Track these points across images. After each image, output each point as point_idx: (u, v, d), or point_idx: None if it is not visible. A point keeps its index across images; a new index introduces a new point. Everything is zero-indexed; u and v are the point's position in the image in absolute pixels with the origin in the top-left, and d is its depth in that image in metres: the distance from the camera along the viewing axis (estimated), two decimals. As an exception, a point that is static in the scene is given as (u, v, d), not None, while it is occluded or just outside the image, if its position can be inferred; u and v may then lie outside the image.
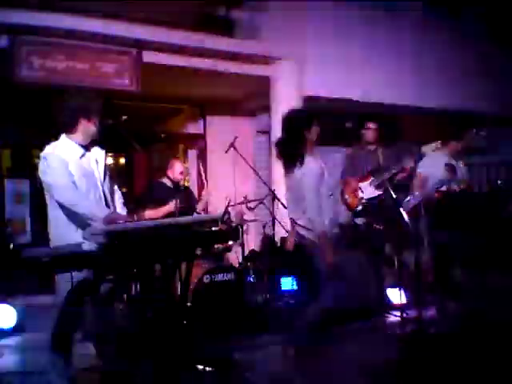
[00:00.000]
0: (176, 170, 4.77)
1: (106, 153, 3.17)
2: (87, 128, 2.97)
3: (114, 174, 3.79)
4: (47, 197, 2.94)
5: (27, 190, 6.15)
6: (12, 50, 4.45)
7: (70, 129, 2.98)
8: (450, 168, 4.46)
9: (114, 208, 3.14)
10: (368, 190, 5.04)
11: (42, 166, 2.88)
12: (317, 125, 3.48)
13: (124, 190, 5.86)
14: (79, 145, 2.98)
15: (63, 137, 2.99)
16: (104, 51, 4.87)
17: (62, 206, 2.85)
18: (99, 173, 3.03)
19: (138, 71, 4.98)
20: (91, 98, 3.02)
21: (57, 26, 4.51)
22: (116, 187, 3.27)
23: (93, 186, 2.96)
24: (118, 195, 3.26)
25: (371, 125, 5.15)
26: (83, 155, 2.98)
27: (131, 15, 4.79)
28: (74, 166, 2.89)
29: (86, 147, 3.01)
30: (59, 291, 2.86)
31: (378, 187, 5.01)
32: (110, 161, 3.20)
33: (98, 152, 3.08)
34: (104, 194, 3.03)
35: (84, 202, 2.83)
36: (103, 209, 2.91)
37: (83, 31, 4.62)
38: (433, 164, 4.51)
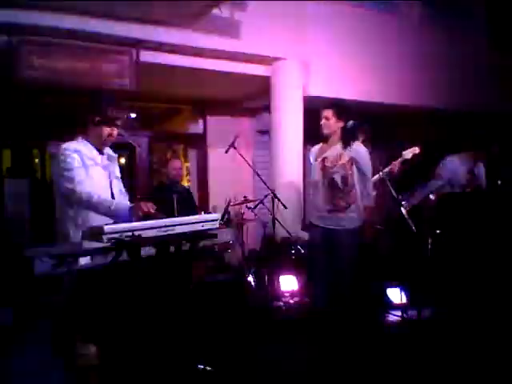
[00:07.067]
0: (173, 166, 4.78)
1: (119, 156, 3.21)
2: (97, 133, 3.00)
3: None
4: (57, 194, 2.96)
5: (27, 189, 6.16)
6: (12, 50, 4.45)
7: (81, 129, 3.02)
8: (471, 174, 4.58)
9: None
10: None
11: (61, 157, 2.88)
12: None
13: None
14: (94, 147, 3.02)
15: (79, 138, 3.03)
16: (104, 51, 4.86)
17: (71, 205, 2.86)
18: (109, 175, 3.05)
19: (138, 71, 4.98)
20: (107, 107, 2.99)
21: (57, 26, 4.50)
22: (124, 190, 3.27)
23: (102, 187, 2.97)
24: (126, 198, 3.26)
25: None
26: (97, 156, 3.01)
27: (131, 15, 4.78)
28: (90, 166, 2.93)
29: (100, 150, 3.05)
30: (63, 290, 2.86)
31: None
32: (122, 160, 3.21)
33: (110, 155, 3.12)
34: (112, 196, 3.03)
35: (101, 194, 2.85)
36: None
37: (83, 31, 4.61)
38: (455, 169, 4.59)
